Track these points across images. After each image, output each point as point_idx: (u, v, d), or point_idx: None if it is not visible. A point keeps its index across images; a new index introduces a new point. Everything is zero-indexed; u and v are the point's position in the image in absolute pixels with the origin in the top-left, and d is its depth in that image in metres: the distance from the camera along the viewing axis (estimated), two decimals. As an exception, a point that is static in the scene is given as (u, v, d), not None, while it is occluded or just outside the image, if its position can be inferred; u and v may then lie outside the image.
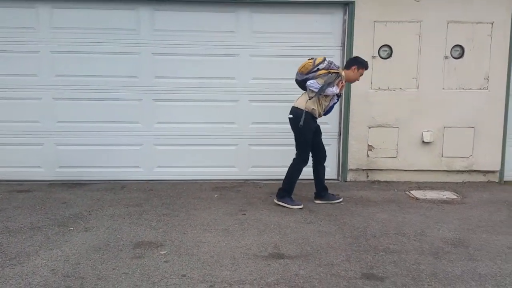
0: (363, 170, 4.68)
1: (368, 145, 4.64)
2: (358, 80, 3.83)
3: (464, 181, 4.69)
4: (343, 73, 3.73)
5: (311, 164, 3.85)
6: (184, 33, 4.47)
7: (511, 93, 4.58)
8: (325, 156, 3.94)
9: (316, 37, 4.52)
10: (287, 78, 4.58)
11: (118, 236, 3.11)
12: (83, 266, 2.65)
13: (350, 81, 3.84)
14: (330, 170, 4.75)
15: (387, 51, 4.46)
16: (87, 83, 4.50)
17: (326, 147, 4.75)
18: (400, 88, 4.56)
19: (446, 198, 4.17)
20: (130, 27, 4.44)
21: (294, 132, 3.79)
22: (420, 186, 4.54)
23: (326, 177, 4.68)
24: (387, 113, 4.57)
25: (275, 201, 3.85)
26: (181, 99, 4.56)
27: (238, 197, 4.10)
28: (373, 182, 4.68)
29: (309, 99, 3.66)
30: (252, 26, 4.49)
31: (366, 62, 3.78)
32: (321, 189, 3.95)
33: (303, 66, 3.70)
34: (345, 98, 4.56)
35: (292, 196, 3.81)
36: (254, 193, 4.25)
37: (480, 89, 4.55)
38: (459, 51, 4.49)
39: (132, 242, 3.00)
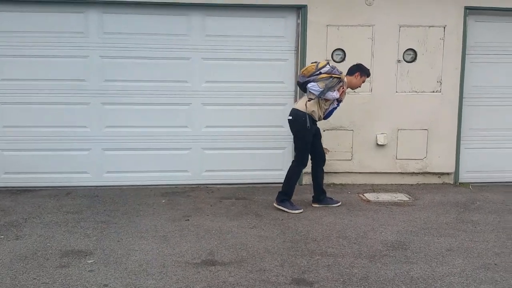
0: (319, 173, 4.71)
1: (323, 148, 4.64)
2: (360, 87, 3.84)
3: (419, 183, 4.71)
4: (345, 79, 3.75)
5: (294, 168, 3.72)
6: (135, 36, 4.36)
7: (465, 96, 4.63)
8: (325, 159, 3.95)
9: (269, 41, 4.48)
10: (240, 81, 4.59)
11: (48, 244, 2.97)
12: (2, 276, 2.51)
13: (352, 87, 3.85)
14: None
15: (340, 55, 4.47)
16: (34, 87, 4.33)
17: (281, 151, 4.79)
18: (354, 92, 4.50)
19: (398, 200, 4.17)
20: (78, 30, 4.31)
21: (293, 134, 3.79)
22: (375, 188, 4.54)
23: (281, 181, 4.61)
24: (342, 116, 4.53)
25: (275, 205, 3.79)
26: (131, 102, 4.44)
27: (186, 202, 4.00)
28: (328, 185, 4.62)
29: (308, 101, 3.68)
30: (204, 29, 4.43)
31: (368, 69, 3.84)
32: (319, 193, 3.90)
33: (306, 69, 3.73)
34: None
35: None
36: (205, 198, 4.16)
37: (433, 92, 4.58)
38: (411, 55, 4.52)
39: (61, 250, 2.87)
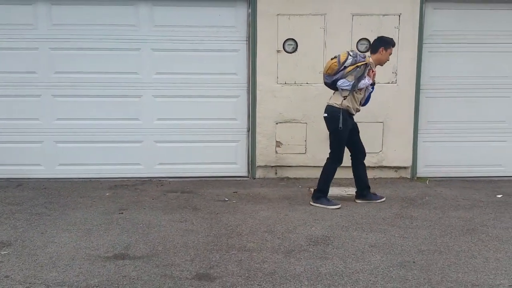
0: (272, 167, 4.54)
1: (276, 141, 4.51)
2: (388, 60, 3.64)
3: (375, 177, 4.56)
4: (371, 60, 3.59)
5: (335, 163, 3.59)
6: (84, 27, 4.30)
7: (422, 87, 4.46)
8: (365, 154, 3.81)
9: (220, 31, 4.37)
10: (192, 72, 4.49)
11: (-29, 236, 2.99)
12: None
13: (381, 64, 3.67)
14: (240, 167, 4.63)
15: (292, 45, 4.33)
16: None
17: (234, 144, 4.71)
18: (307, 83, 4.43)
19: (347, 194, 4.05)
20: (27, 22, 4.27)
21: (329, 131, 3.67)
22: (329, 183, 4.49)
23: (235, 174, 4.62)
24: (294, 108, 4.43)
25: (311, 203, 3.68)
26: (82, 94, 4.40)
27: (130, 195, 3.95)
28: (282, 179, 4.55)
29: (344, 99, 3.53)
30: (153, 19, 4.34)
31: (391, 39, 3.62)
32: (362, 188, 3.80)
33: (329, 68, 3.57)
34: (251, 93, 4.44)
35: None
36: (151, 191, 4.10)
37: (389, 83, 4.41)
38: (365, 45, 4.35)
39: (-19, 242, 2.89)
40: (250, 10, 4.32)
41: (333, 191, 4.15)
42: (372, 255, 2.72)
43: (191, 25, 4.35)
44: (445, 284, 2.35)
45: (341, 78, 3.53)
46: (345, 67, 3.48)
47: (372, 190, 3.92)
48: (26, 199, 3.85)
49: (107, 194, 4.00)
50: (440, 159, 4.60)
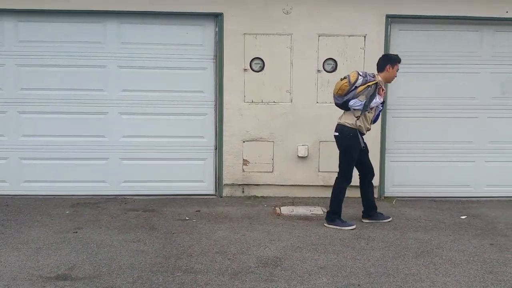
0: (239, 185, 4.63)
1: (243, 159, 4.61)
2: (396, 76, 3.73)
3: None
4: (379, 78, 3.67)
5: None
6: (51, 44, 4.44)
7: (389, 107, 4.55)
8: (373, 174, 3.89)
9: (188, 49, 4.52)
10: (159, 90, 4.61)
11: None
12: None
13: (389, 81, 3.78)
14: (207, 185, 4.71)
15: (259, 64, 4.48)
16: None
17: (202, 162, 4.81)
18: (274, 102, 4.55)
19: (311, 214, 4.12)
20: (-6, 38, 4.49)
21: (340, 150, 3.72)
22: (295, 201, 4.50)
23: (202, 192, 4.70)
24: (261, 127, 4.54)
25: (326, 225, 3.72)
26: (48, 111, 4.51)
27: (90, 213, 4.01)
28: (249, 197, 4.62)
29: (357, 119, 3.61)
30: (120, 37, 4.50)
31: (397, 55, 3.73)
32: (369, 208, 3.86)
33: (340, 89, 3.63)
34: (218, 111, 4.55)
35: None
36: (113, 209, 4.17)
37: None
38: (332, 65, 4.52)
39: None
40: (217, 29, 4.48)
41: (297, 210, 4.26)
42: (319, 277, 2.78)
43: (158, 43, 4.51)
44: (382, 308, 2.41)
45: (353, 98, 3.59)
46: (356, 87, 3.57)
47: (343, 210, 3.90)
48: (-15, 216, 3.95)
49: (67, 212, 4.06)
50: (408, 179, 4.69)
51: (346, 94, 3.59)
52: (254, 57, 4.45)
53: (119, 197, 4.57)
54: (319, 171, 4.63)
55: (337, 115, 4.39)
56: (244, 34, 4.44)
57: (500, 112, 4.67)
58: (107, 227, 3.67)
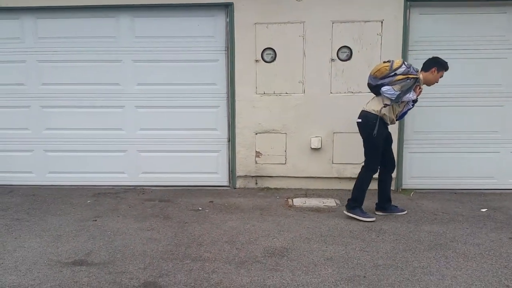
0: (252, 177, 4.74)
1: (256, 151, 4.70)
2: (437, 82, 3.69)
3: (359, 188, 4.72)
4: (421, 76, 3.62)
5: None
6: (66, 39, 4.69)
7: (407, 96, 4.59)
8: (394, 165, 3.88)
9: (199, 41, 4.64)
10: (173, 83, 4.78)
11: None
12: None
13: (428, 84, 3.70)
14: (221, 177, 4.87)
15: (271, 54, 4.52)
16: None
17: (215, 154, 4.96)
18: (286, 93, 4.61)
19: (324, 206, 4.18)
20: (14, 35, 4.70)
21: (363, 138, 3.72)
22: (309, 193, 4.57)
23: (216, 184, 4.87)
24: (274, 118, 4.61)
25: (345, 212, 3.80)
26: (67, 105, 4.79)
27: (110, 203, 4.28)
28: (262, 189, 4.73)
29: (384, 106, 3.58)
30: (134, 31, 4.67)
31: (446, 62, 3.65)
32: (384, 200, 3.88)
33: (378, 70, 3.59)
34: (230, 103, 4.67)
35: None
36: (131, 199, 4.42)
37: (371, 92, 4.56)
38: (346, 53, 4.48)
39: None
40: (228, 20, 4.56)
41: (310, 202, 4.34)
42: (325, 268, 2.86)
43: (171, 35, 4.65)
44: (383, 300, 2.46)
45: (388, 84, 3.52)
46: (396, 74, 3.51)
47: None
48: (13, 205, 4.27)
49: (88, 201, 4.35)
50: (427, 170, 4.63)
51: (382, 78, 3.52)
52: (266, 47, 4.50)
53: (138, 187, 4.83)
54: (333, 163, 4.66)
55: (352, 104, 4.47)
56: (255, 24, 4.49)
57: (529, 100, 4.55)
58: (124, 216, 3.92)
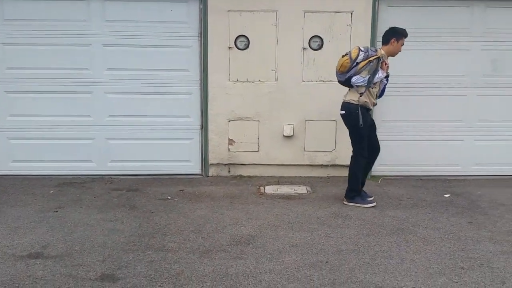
0: (225, 164, 4.46)
1: (229, 139, 4.42)
2: (400, 51, 3.53)
3: (329, 175, 4.46)
4: (382, 52, 3.51)
5: None
6: (35, 22, 4.23)
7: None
8: (379, 151, 3.72)
9: (172, 26, 4.28)
10: (145, 68, 4.40)
11: None
12: None
13: (393, 55, 3.57)
14: (193, 165, 4.54)
15: (244, 41, 4.23)
16: None
17: (188, 141, 4.63)
18: (259, 80, 4.34)
19: (295, 193, 3.95)
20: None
21: (348, 128, 3.61)
22: (281, 181, 4.32)
23: (188, 172, 4.54)
24: (247, 106, 4.33)
25: (345, 203, 3.61)
26: (34, 90, 4.32)
27: (74, 193, 3.89)
28: (235, 177, 4.45)
29: (361, 95, 3.47)
30: (104, 14, 4.25)
31: (404, 29, 3.49)
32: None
33: (341, 65, 3.48)
34: (203, 90, 4.35)
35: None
36: (98, 188, 4.04)
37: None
38: (318, 42, 4.26)
39: None
40: (201, 6, 4.22)
41: (282, 190, 4.09)
42: (288, 255, 2.65)
43: (143, 20, 4.26)
44: (348, 285, 2.28)
45: (355, 74, 3.43)
46: (358, 63, 3.40)
47: (319, 189, 3.89)
48: (-29, 195, 3.86)
49: (51, 191, 3.94)
50: (396, 158, 4.47)
51: (348, 71, 3.41)
52: (239, 34, 4.20)
53: (106, 176, 4.43)
54: (305, 151, 4.44)
55: (323, 93, 4.28)
56: (229, 11, 4.18)
57: (490, 90, 4.40)
58: (88, 206, 3.55)
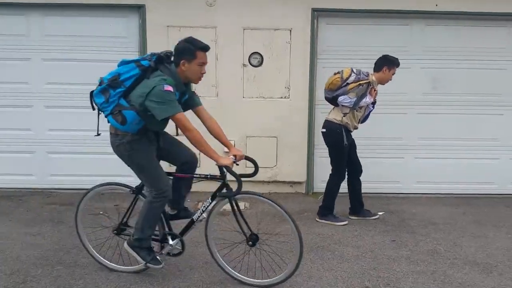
0: (166, 180, 4.81)
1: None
2: (390, 80, 3.78)
3: (271, 192, 4.79)
4: (373, 78, 3.75)
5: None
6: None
7: (317, 103, 4.68)
8: (361, 170, 3.99)
9: (112, 41, 4.62)
10: (83, 83, 4.55)
11: None
12: None
13: (383, 83, 3.81)
14: (134, 179, 4.85)
15: (184, 57, 4.62)
16: None
17: (129, 156, 4.93)
18: (200, 96, 4.65)
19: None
20: None
21: (328, 147, 3.82)
22: (221, 197, 4.67)
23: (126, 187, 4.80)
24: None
25: (317, 219, 3.90)
26: (-28, 104, 4.71)
27: (8, 206, 4.17)
28: (176, 192, 4.79)
29: (344, 116, 3.71)
30: (43, 29, 4.60)
31: (396, 59, 3.76)
32: (356, 204, 3.98)
33: (331, 83, 3.71)
34: (144, 105, 4.69)
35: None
36: (33, 202, 4.33)
37: (282, 98, 4.64)
38: (258, 59, 4.60)
39: None
40: (140, 21, 4.57)
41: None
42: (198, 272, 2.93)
43: (83, 35, 4.61)
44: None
45: (343, 94, 3.68)
46: (348, 84, 3.65)
47: (256, 206, 4.06)
48: None
49: (-17, 206, 4.27)
50: (337, 175, 4.84)
51: (336, 90, 3.67)
52: (179, 50, 4.60)
53: (46, 190, 4.73)
54: (246, 167, 4.72)
55: (264, 109, 4.57)
56: (168, 26, 4.51)
57: (430, 108, 4.76)
58: (17, 220, 3.84)
